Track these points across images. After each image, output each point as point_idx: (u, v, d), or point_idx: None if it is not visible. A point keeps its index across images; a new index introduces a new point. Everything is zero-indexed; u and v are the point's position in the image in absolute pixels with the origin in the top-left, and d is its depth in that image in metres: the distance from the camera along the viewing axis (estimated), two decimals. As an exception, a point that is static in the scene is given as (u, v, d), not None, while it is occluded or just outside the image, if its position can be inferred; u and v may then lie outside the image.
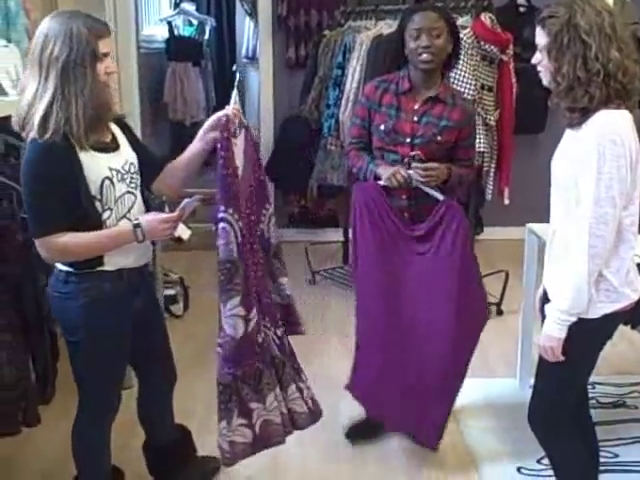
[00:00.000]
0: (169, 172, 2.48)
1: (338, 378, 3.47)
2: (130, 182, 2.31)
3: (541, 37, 2.15)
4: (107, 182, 2.21)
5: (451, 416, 3.35)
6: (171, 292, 4.51)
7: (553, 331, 2.17)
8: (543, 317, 2.32)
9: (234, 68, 2.42)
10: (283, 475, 3.02)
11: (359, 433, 3.21)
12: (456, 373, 2.99)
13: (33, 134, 2.12)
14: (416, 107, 2.86)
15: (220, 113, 2.37)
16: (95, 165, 2.19)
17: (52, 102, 2.09)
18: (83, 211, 2.18)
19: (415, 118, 2.85)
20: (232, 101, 2.37)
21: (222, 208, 2.20)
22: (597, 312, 2.18)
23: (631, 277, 2.22)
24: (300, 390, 2.55)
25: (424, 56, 2.78)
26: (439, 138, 2.84)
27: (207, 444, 3.06)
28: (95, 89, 2.12)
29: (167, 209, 4.10)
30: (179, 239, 4.13)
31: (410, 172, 2.79)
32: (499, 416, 3.33)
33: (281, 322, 2.51)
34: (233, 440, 2.37)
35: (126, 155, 2.33)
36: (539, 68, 2.20)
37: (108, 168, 2.23)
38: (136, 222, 2.23)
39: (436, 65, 2.83)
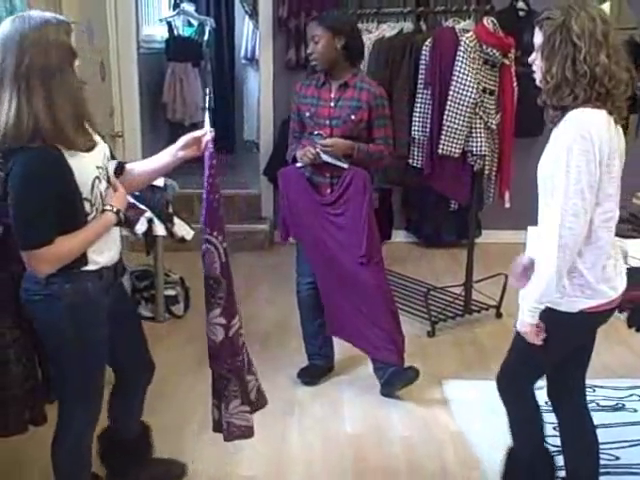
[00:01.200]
0: (129, 176, 2.45)
1: (339, 369, 3.50)
2: (106, 174, 2.28)
3: (538, 37, 2.27)
4: (97, 181, 2.20)
5: (452, 417, 3.38)
6: (172, 292, 4.51)
7: (526, 317, 2.29)
8: None
9: (207, 91, 2.48)
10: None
11: (306, 376, 3.71)
12: (375, 301, 3.49)
13: (21, 143, 2.02)
14: (332, 95, 3.40)
15: (197, 133, 2.41)
16: (84, 167, 2.15)
17: (39, 110, 2.01)
18: (72, 214, 2.15)
19: (332, 104, 3.39)
20: (207, 124, 2.42)
21: (208, 230, 2.36)
22: (572, 306, 2.27)
23: (608, 274, 2.28)
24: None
25: (312, 61, 3.43)
26: (352, 117, 3.35)
27: (206, 444, 3.08)
28: (76, 89, 2.11)
29: (170, 208, 4.13)
30: (182, 239, 4.17)
31: (317, 149, 3.30)
32: (500, 417, 3.33)
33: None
34: (231, 421, 2.56)
35: (103, 149, 2.28)
36: (533, 67, 2.31)
37: (95, 167, 2.20)
38: (109, 208, 2.23)
39: (325, 65, 3.37)
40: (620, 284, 2.34)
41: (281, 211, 3.69)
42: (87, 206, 2.18)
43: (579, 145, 2.14)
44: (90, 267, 2.24)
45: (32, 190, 2.05)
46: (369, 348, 3.57)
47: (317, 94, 3.43)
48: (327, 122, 3.38)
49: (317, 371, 3.74)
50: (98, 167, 2.22)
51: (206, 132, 2.39)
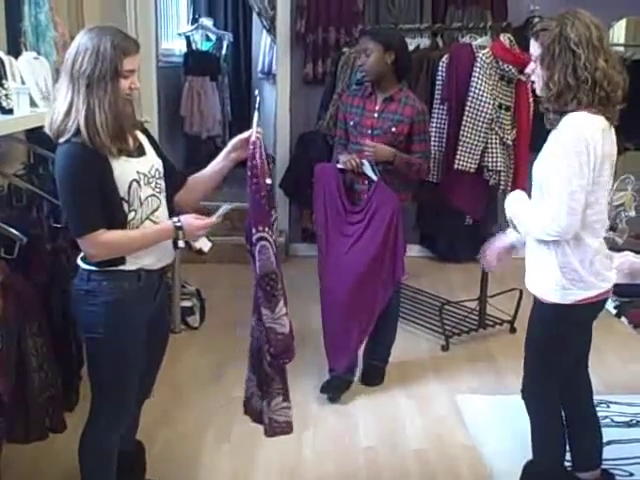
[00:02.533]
0: (191, 186, 2.57)
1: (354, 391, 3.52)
2: (155, 186, 2.39)
3: (535, 48, 2.37)
4: (135, 184, 2.30)
5: (466, 432, 3.39)
6: (188, 304, 4.54)
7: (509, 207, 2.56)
8: None
9: (256, 93, 2.51)
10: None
11: (331, 388, 3.69)
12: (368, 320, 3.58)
13: (67, 137, 2.21)
14: (377, 107, 3.55)
15: (244, 135, 2.48)
16: (123, 168, 2.28)
17: (84, 112, 2.19)
18: (111, 211, 2.26)
19: (375, 115, 3.55)
20: (254, 124, 2.45)
21: (260, 228, 2.39)
22: (568, 299, 2.46)
23: (596, 268, 2.45)
24: None
25: (362, 74, 3.63)
26: (394, 130, 3.51)
27: (222, 454, 3.10)
28: (115, 103, 2.21)
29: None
30: (200, 251, 4.19)
31: (363, 160, 3.46)
32: (515, 432, 3.35)
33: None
34: (273, 417, 2.61)
35: (152, 161, 2.42)
36: (532, 77, 2.43)
37: (136, 172, 2.32)
38: (178, 224, 2.34)
39: (374, 77, 3.52)
40: (609, 277, 2.51)
41: (315, 203, 3.71)
42: (125, 206, 2.29)
43: (574, 147, 2.26)
44: (127, 267, 2.32)
45: (75, 180, 2.21)
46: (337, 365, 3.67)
47: (363, 104, 3.58)
48: (369, 131, 3.53)
49: (340, 384, 3.71)
50: (139, 172, 2.32)
51: (252, 133, 2.42)
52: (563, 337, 2.56)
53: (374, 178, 3.47)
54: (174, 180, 2.52)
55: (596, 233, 2.44)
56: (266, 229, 2.39)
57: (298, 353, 3.89)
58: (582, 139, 2.27)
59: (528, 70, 2.45)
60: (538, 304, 2.56)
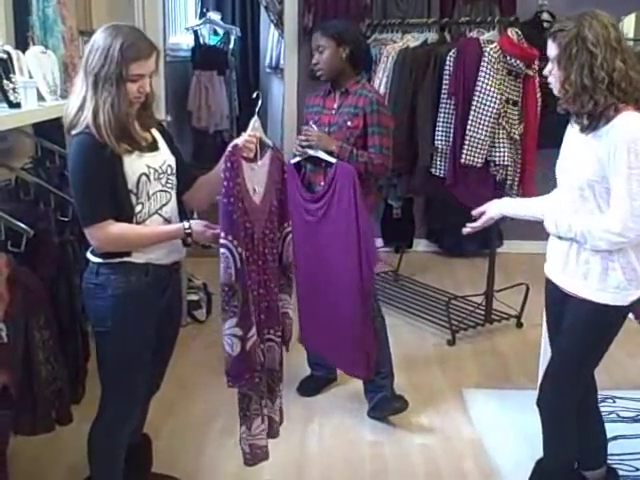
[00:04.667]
0: (199, 187, 2.59)
1: (359, 386, 3.53)
2: (166, 182, 2.41)
3: (552, 49, 2.35)
4: (144, 178, 2.32)
5: (471, 426, 3.39)
6: (194, 297, 4.56)
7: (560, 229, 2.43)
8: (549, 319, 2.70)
9: (254, 95, 2.47)
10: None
11: (307, 388, 3.67)
12: (362, 311, 3.35)
13: (81, 129, 2.24)
14: (335, 105, 3.41)
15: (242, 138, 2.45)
16: (133, 161, 2.30)
17: (91, 109, 2.22)
18: (119, 203, 2.28)
19: (333, 111, 3.40)
20: (250, 128, 2.44)
21: (222, 235, 2.28)
22: (627, 299, 2.41)
23: None
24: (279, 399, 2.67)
25: (317, 71, 3.40)
26: (349, 124, 3.32)
27: (227, 447, 3.12)
28: (117, 105, 2.23)
29: (195, 216, 4.18)
30: (206, 245, 4.21)
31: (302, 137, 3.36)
32: (520, 427, 3.35)
33: (265, 337, 2.57)
34: (254, 443, 2.49)
35: (165, 157, 2.43)
36: (550, 78, 2.40)
37: (146, 165, 2.34)
38: (188, 230, 2.34)
39: (329, 75, 3.37)
40: None
41: None
42: (133, 199, 2.30)
43: (636, 148, 2.22)
44: (134, 259, 2.33)
45: (83, 170, 2.25)
46: (343, 364, 3.54)
47: (322, 103, 3.45)
48: (327, 129, 3.37)
49: (317, 383, 3.72)
50: (150, 167, 2.34)
51: (245, 136, 2.41)
52: (610, 338, 2.52)
53: (333, 161, 3.27)
54: (184, 178, 2.53)
55: None
56: (229, 238, 2.26)
57: (301, 348, 3.93)
58: None
59: (546, 72, 2.41)
60: (586, 306, 2.44)
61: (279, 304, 2.59)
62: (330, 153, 3.30)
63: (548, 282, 2.64)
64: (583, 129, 2.36)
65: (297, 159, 3.42)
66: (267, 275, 2.50)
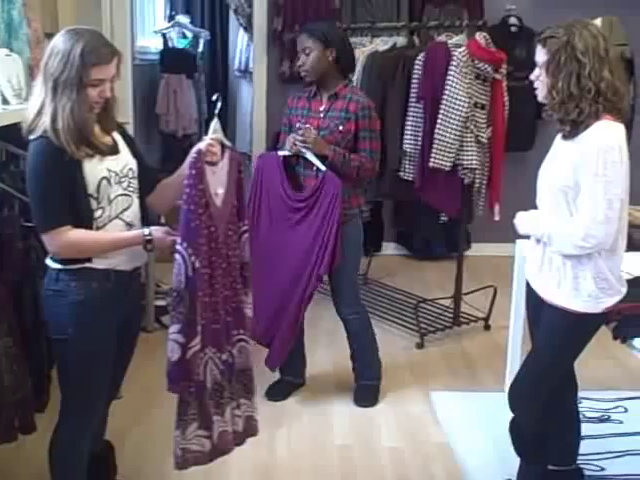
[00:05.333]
0: (161, 190, 2.54)
1: (328, 381, 3.52)
2: (128, 186, 2.37)
3: (541, 55, 2.37)
4: (104, 182, 2.28)
5: (440, 429, 3.40)
6: (162, 303, 4.52)
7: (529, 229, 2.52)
8: (530, 322, 2.70)
9: (214, 97, 2.44)
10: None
11: (275, 393, 3.66)
12: (295, 311, 3.43)
13: (39, 134, 2.21)
14: (322, 108, 3.40)
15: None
16: (93, 166, 2.26)
17: (50, 114, 2.19)
18: (78, 207, 2.25)
19: (321, 115, 3.39)
20: (210, 131, 2.43)
21: (179, 240, 2.27)
22: (598, 307, 2.43)
23: (620, 273, 2.47)
24: (239, 407, 2.62)
25: (302, 73, 3.40)
26: (340, 128, 3.34)
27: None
28: (77, 110, 2.20)
29: (163, 220, 4.15)
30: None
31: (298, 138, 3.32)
32: (488, 428, 3.37)
33: (236, 338, 2.55)
34: (187, 447, 2.46)
35: (126, 160, 2.40)
36: (536, 84, 2.43)
37: (107, 169, 2.30)
38: (149, 237, 2.31)
39: (315, 77, 3.38)
40: (624, 281, 2.52)
41: (249, 194, 3.50)
42: (93, 203, 2.27)
43: (610, 156, 2.27)
44: (94, 265, 2.29)
45: (40, 175, 2.22)
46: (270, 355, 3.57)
47: (308, 105, 3.43)
48: (317, 133, 3.35)
49: (286, 387, 3.71)
50: (111, 171, 2.31)
51: (207, 140, 2.38)
52: (582, 344, 2.55)
53: (322, 167, 3.30)
54: (147, 181, 2.49)
55: (624, 236, 2.44)
56: (184, 244, 2.24)
57: (263, 352, 3.90)
58: (616, 148, 2.28)
59: (532, 77, 2.44)
60: (560, 313, 2.47)
61: (227, 319, 2.56)
62: (324, 157, 3.30)
63: (527, 284, 2.68)
64: (565, 135, 2.40)
65: (286, 152, 3.40)
66: (232, 277, 2.49)
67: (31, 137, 2.22)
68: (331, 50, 3.33)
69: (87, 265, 2.29)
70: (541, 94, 2.42)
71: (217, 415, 2.50)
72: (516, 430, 2.77)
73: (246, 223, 2.58)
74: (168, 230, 2.36)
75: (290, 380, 3.72)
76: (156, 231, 2.33)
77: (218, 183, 2.40)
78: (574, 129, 2.35)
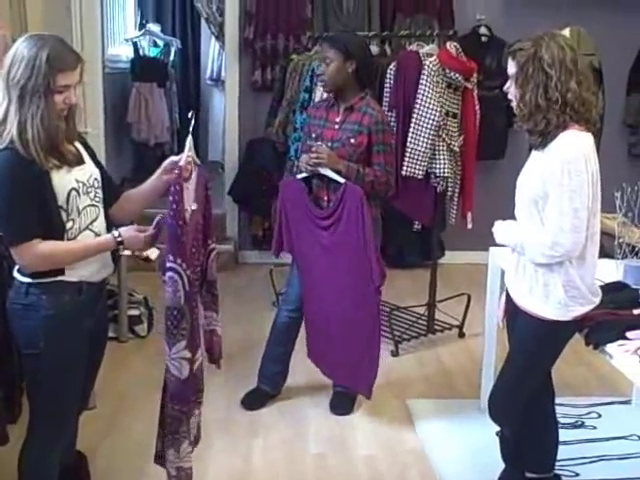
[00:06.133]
0: (126, 201, 2.52)
1: (304, 389, 3.50)
2: (94, 196, 2.35)
3: (511, 67, 2.41)
4: (74, 193, 2.25)
5: (415, 436, 3.41)
6: (135, 312, 4.47)
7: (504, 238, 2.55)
8: (509, 329, 2.71)
9: (190, 114, 2.43)
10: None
11: (252, 401, 3.64)
12: (367, 330, 3.41)
13: (4, 145, 2.15)
14: (338, 119, 3.40)
15: (176, 158, 2.43)
16: (62, 177, 2.22)
17: (16, 124, 2.14)
18: (49, 220, 2.20)
19: (336, 126, 3.40)
20: (186, 148, 2.42)
21: (171, 258, 2.26)
22: (568, 315, 2.45)
23: (591, 282, 2.49)
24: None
25: (322, 83, 3.44)
26: (352, 141, 3.34)
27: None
28: (47, 117, 2.16)
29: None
30: (147, 259, 4.14)
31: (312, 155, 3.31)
32: (463, 436, 3.38)
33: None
34: (181, 466, 2.46)
35: (90, 170, 2.36)
36: (509, 96, 2.46)
37: (75, 180, 2.26)
38: (119, 239, 2.29)
39: (333, 87, 3.38)
40: (598, 290, 2.54)
41: (277, 223, 3.58)
42: (64, 215, 2.23)
43: (574, 166, 2.29)
44: (66, 278, 2.26)
45: (8, 188, 2.15)
46: (348, 381, 3.57)
47: (325, 115, 3.43)
48: (329, 144, 3.35)
49: (262, 397, 3.68)
50: (78, 181, 2.27)
51: (181, 157, 2.38)
52: (555, 352, 2.58)
53: (341, 181, 3.28)
54: (110, 192, 2.46)
55: (595, 244, 2.45)
56: (178, 260, 2.25)
57: (245, 361, 3.88)
58: (581, 158, 2.30)
59: (505, 89, 2.46)
60: (533, 320, 2.50)
61: (204, 321, 2.59)
62: (337, 172, 3.29)
63: (507, 290, 2.70)
64: (535, 146, 2.43)
65: (304, 175, 3.40)
66: (199, 296, 2.52)
67: (1, 147, 2.16)
68: (351, 62, 3.32)
69: (58, 278, 2.25)
70: (514, 105, 2.45)
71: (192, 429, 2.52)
72: (502, 435, 2.80)
73: (214, 240, 2.59)
74: (137, 227, 2.35)
75: (268, 391, 3.69)
76: (126, 231, 2.31)
77: (191, 199, 2.41)
78: (543, 140, 2.37)
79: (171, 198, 2.26)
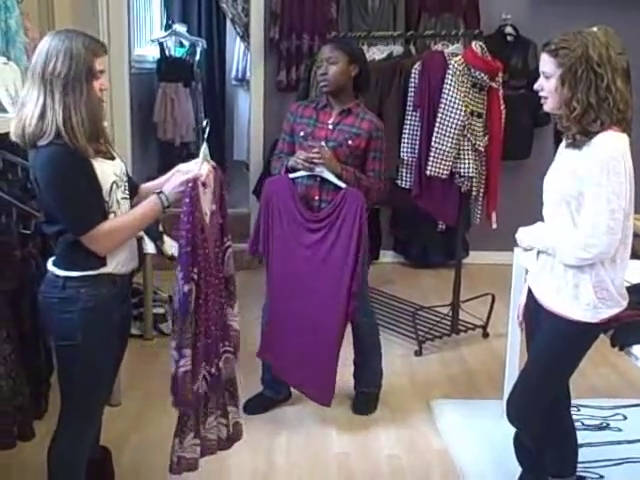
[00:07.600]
0: (143, 195, 2.53)
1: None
2: (125, 189, 2.40)
3: (550, 65, 2.35)
4: (114, 186, 2.31)
5: (438, 437, 3.40)
6: (160, 310, 4.52)
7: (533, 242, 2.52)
8: (528, 328, 2.69)
9: (204, 123, 2.44)
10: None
11: (255, 406, 3.60)
12: (333, 338, 3.35)
13: (49, 140, 2.18)
14: (331, 120, 3.38)
15: (183, 167, 2.45)
16: (104, 169, 2.28)
17: (61, 114, 2.18)
18: (100, 204, 2.27)
19: (330, 127, 3.37)
20: (201, 156, 2.43)
21: (183, 274, 2.34)
22: (597, 317, 2.42)
23: (621, 285, 2.46)
24: (225, 415, 2.69)
25: (322, 82, 3.36)
26: (350, 142, 3.33)
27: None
28: (91, 103, 2.22)
29: (160, 227, 4.16)
30: (172, 257, 4.19)
31: (315, 150, 3.24)
32: (487, 436, 3.37)
33: (222, 350, 2.62)
34: (183, 455, 2.54)
35: (121, 164, 2.42)
36: (542, 93, 2.40)
37: (114, 173, 2.32)
38: (161, 195, 2.35)
39: (334, 87, 3.35)
40: (626, 294, 2.50)
41: (255, 221, 3.52)
42: (106, 207, 2.28)
43: (613, 167, 2.26)
44: (102, 271, 2.30)
45: (66, 180, 2.20)
46: (309, 390, 3.49)
47: (315, 115, 3.40)
48: (322, 143, 3.31)
49: (267, 402, 3.65)
50: (116, 174, 2.33)
51: (197, 163, 2.40)
52: (580, 353, 2.54)
53: (342, 185, 3.26)
54: (131, 186, 2.49)
55: (627, 247, 2.43)
56: (195, 270, 2.34)
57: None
58: (619, 159, 2.28)
59: (537, 86, 2.42)
60: (559, 321, 2.47)
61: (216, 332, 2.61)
62: (337, 175, 3.28)
63: (529, 290, 2.67)
64: (571, 145, 2.39)
65: (300, 174, 3.34)
66: (221, 294, 2.55)
67: (40, 143, 2.19)
68: (355, 66, 3.36)
69: (95, 272, 2.29)
70: (550, 105, 2.40)
71: (202, 424, 2.58)
72: (517, 440, 2.77)
73: (229, 238, 2.60)
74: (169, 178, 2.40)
75: (271, 396, 3.66)
76: (165, 188, 2.36)
77: (209, 202, 2.44)
78: (583, 139, 2.34)
79: (184, 210, 2.31)
